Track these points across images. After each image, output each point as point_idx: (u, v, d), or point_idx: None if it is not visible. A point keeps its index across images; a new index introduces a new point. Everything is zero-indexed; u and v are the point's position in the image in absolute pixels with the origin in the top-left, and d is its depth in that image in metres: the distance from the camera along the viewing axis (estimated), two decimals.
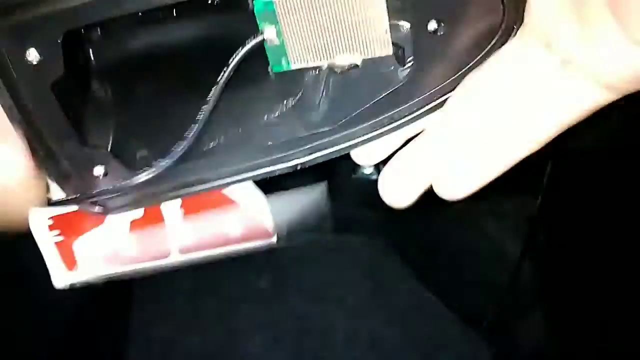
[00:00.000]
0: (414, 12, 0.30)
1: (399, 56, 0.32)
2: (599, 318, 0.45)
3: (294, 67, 0.34)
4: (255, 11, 0.31)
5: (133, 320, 0.48)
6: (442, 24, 0.30)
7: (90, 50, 0.34)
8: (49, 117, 0.30)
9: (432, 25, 0.30)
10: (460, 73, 0.31)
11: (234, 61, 0.31)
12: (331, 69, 0.33)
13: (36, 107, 0.30)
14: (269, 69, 0.34)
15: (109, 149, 0.33)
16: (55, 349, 0.45)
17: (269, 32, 0.32)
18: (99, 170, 0.33)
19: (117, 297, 0.49)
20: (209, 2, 0.31)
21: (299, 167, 0.34)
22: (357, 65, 0.33)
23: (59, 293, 0.32)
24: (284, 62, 0.33)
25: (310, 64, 0.33)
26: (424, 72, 0.32)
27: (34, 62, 0.28)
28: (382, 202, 0.32)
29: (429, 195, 0.32)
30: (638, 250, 0.42)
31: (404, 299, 0.49)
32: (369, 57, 0.32)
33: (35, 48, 0.28)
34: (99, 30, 0.34)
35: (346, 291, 0.50)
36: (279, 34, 0.32)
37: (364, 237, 0.52)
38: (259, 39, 0.32)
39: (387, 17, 0.31)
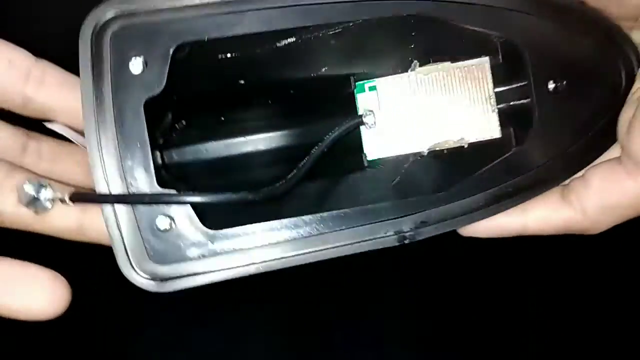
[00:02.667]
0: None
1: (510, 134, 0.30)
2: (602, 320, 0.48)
3: (390, 155, 0.31)
4: (355, 92, 0.31)
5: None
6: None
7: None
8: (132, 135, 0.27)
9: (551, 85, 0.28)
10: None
11: (328, 140, 0.29)
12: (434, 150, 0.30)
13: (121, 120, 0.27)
14: (364, 159, 0.31)
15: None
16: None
17: (368, 116, 0.31)
18: (163, 223, 0.27)
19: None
20: (312, 75, 0.31)
21: (406, 241, 0.27)
22: (462, 146, 0.30)
23: None
24: (379, 151, 0.31)
25: (410, 151, 0.31)
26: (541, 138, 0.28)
27: (136, 73, 0.27)
28: None
29: None
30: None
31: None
32: (476, 140, 0.30)
33: (142, 57, 0.26)
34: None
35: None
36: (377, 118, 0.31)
37: None
38: (356, 120, 0.31)
39: (494, 100, 0.30)
